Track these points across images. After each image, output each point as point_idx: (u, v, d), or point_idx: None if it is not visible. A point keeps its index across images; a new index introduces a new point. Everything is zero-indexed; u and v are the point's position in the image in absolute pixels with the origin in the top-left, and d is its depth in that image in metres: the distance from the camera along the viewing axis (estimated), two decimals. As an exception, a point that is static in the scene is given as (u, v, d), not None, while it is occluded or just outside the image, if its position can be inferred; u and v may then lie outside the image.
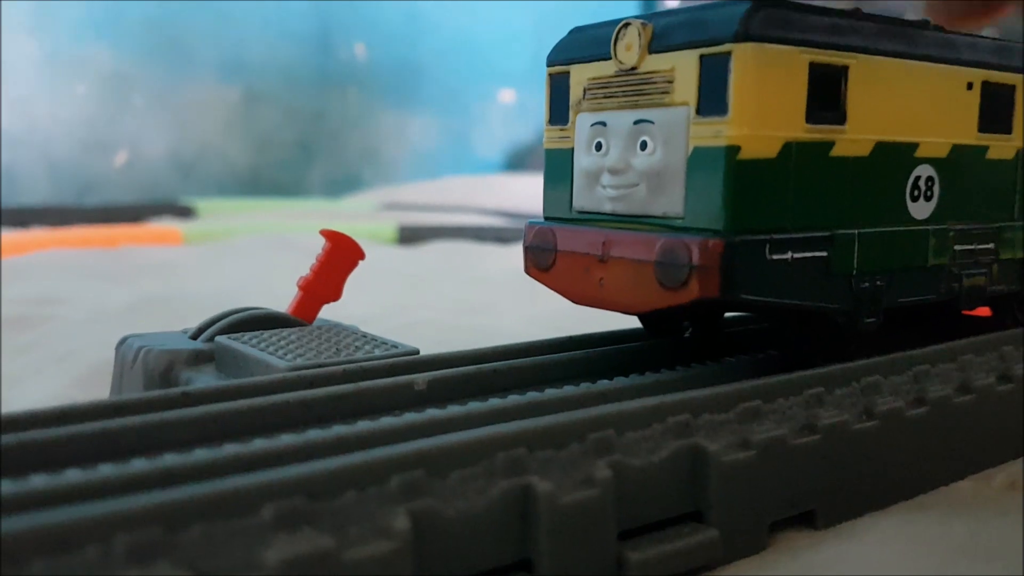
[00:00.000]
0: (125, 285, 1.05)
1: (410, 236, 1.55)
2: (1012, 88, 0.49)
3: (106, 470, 0.28)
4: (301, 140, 2.48)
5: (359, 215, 1.94)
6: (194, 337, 0.47)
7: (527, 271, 0.46)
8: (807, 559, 0.35)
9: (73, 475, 0.28)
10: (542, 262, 0.44)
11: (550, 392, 0.39)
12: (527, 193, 1.67)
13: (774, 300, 0.39)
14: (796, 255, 0.39)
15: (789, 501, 0.37)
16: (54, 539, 0.23)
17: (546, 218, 0.46)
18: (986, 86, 0.47)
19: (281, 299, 0.53)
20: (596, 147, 0.42)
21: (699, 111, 0.38)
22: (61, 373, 0.64)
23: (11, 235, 1.41)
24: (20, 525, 0.23)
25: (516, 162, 2.74)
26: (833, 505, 0.38)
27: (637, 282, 0.39)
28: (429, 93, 2.65)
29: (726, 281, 0.37)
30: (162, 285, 1.06)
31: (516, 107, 2.77)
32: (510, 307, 0.92)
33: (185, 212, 1.87)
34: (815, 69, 0.39)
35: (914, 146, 0.45)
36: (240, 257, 1.31)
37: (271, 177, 2.43)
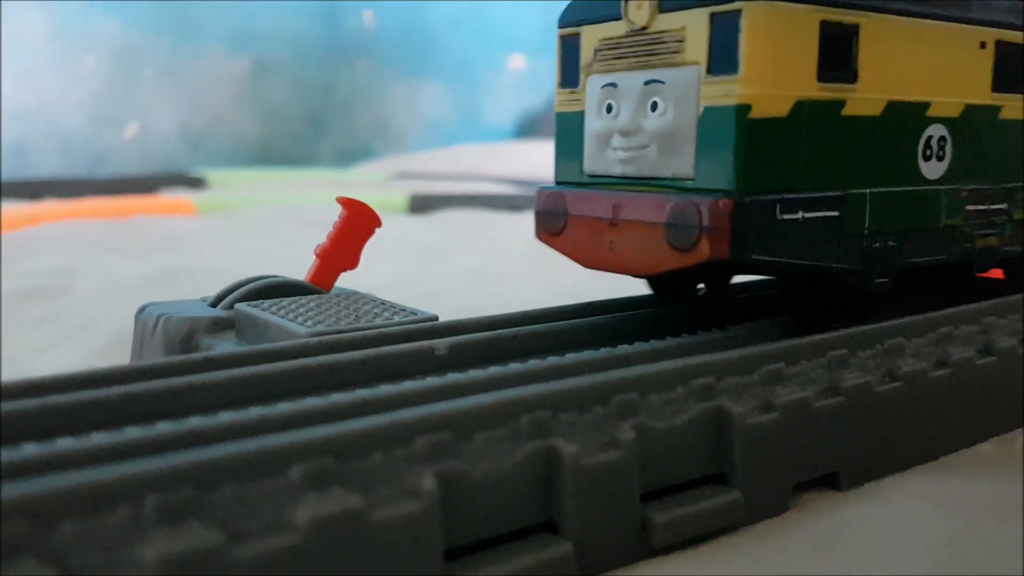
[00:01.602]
0: (140, 256, 1.06)
1: (421, 205, 1.55)
2: None
3: (133, 433, 0.29)
4: (311, 111, 2.47)
5: (370, 185, 1.94)
6: (213, 305, 0.47)
7: (538, 236, 0.45)
8: (830, 520, 0.35)
9: (100, 438, 0.28)
10: (553, 227, 0.44)
11: (571, 356, 0.39)
12: (538, 160, 1.66)
13: (785, 260, 0.39)
14: (807, 215, 0.39)
15: (812, 463, 0.37)
16: (84, 500, 0.23)
17: (557, 182, 0.45)
18: (1000, 45, 0.47)
19: (295, 269, 0.53)
20: (607, 109, 0.42)
21: (710, 70, 0.38)
22: (81, 344, 0.64)
23: (23, 207, 1.41)
24: (49, 486, 0.23)
25: (527, 129, 2.73)
26: (856, 467, 0.38)
27: (648, 244, 0.39)
28: (438, 61, 2.63)
29: (737, 242, 0.37)
30: (177, 256, 1.06)
31: (526, 73, 2.75)
32: (525, 276, 0.91)
33: (196, 183, 1.87)
34: (826, 27, 0.39)
35: (926, 105, 0.44)
36: (253, 228, 1.31)
37: (281, 148, 2.42)
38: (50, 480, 0.23)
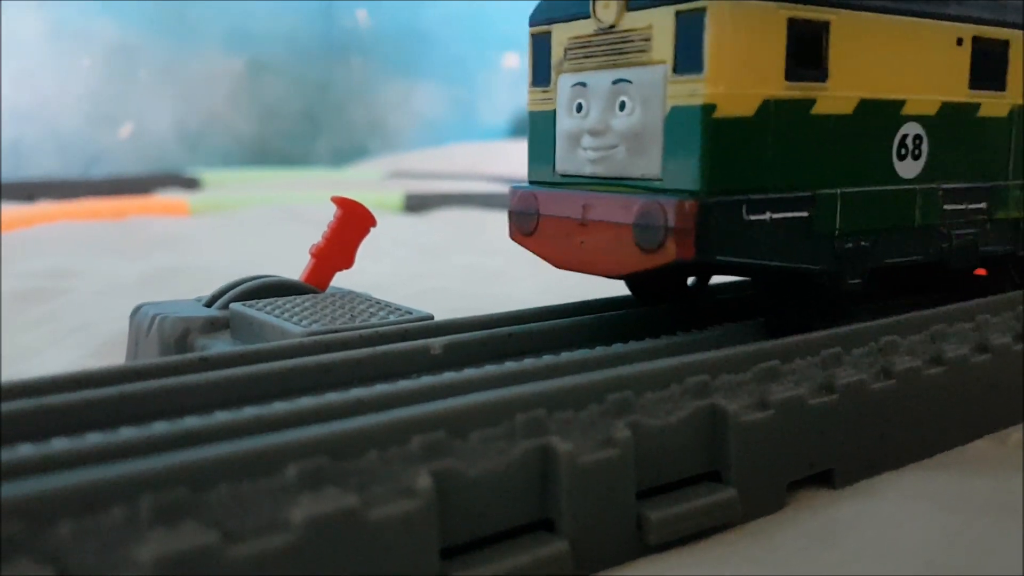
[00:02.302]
0: (135, 257, 1.05)
1: (417, 204, 1.55)
2: (1005, 44, 0.48)
3: (127, 433, 0.29)
4: (306, 110, 2.47)
5: (365, 184, 1.94)
6: (208, 305, 0.47)
7: (512, 236, 0.45)
8: (825, 518, 0.35)
9: (95, 438, 0.28)
10: (525, 227, 0.44)
11: (566, 355, 0.39)
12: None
13: (753, 261, 0.39)
14: (775, 215, 0.39)
15: (807, 461, 0.37)
16: (80, 500, 0.23)
17: (530, 182, 0.45)
18: (977, 42, 0.46)
19: (290, 269, 0.53)
20: (577, 108, 0.42)
21: (676, 69, 0.38)
22: (76, 345, 0.64)
23: (19, 208, 1.41)
24: (46, 486, 0.23)
25: (521, 128, 2.72)
26: (851, 464, 0.38)
27: (616, 245, 0.39)
28: (433, 60, 2.63)
29: (702, 242, 0.36)
30: (172, 256, 1.06)
31: (520, 72, 2.74)
32: (520, 275, 0.91)
33: (191, 183, 1.87)
34: (794, 25, 0.39)
35: (900, 103, 0.44)
36: (248, 228, 1.31)
37: (277, 147, 2.42)
38: (46, 480, 0.23)
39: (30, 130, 2.09)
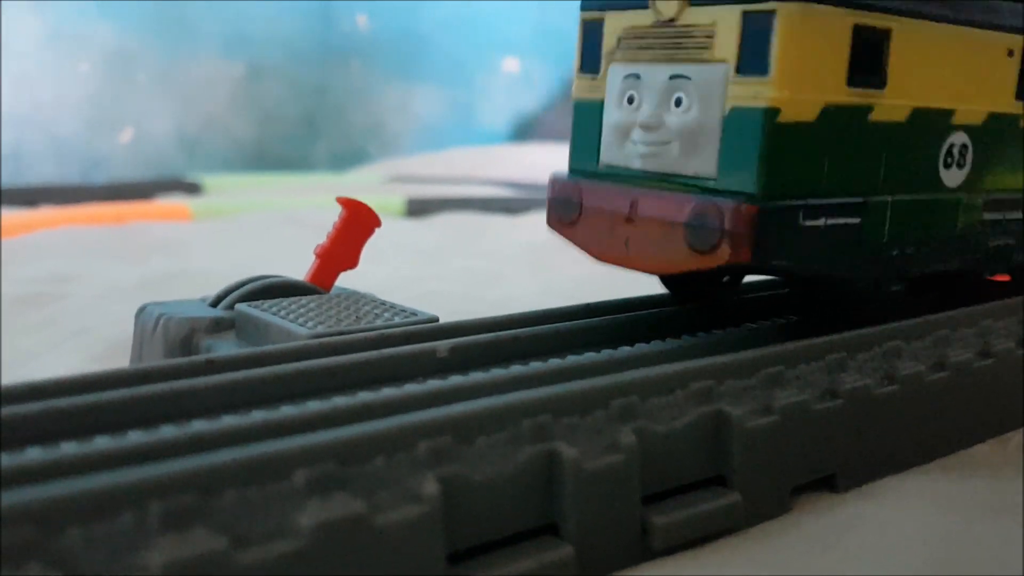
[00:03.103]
0: (137, 262, 1.05)
1: (418, 208, 1.55)
2: None
3: (135, 437, 0.29)
4: (306, 114, 2.47)
5: (366, 188, 1.94)
6: (213, 305, 0.47)
7: (549, 224, 0.44)
8: (829, 521, 0.35)
9: (102, 442, 0.28)
10: (566, 217, 0.43)
11: (572, 359, 0.39)
12: (534, 163, 1.66)
13: (805, 267, 0.38)
14: (829, 221, 0.39)
15: (811, 465, 0.37)
16: (90, 505, 0.23)
17: (571, 171, 0.45)
18: None
19: (290, 273, 0.53)
20: (628, 100, 0.41)
21: (739, 70, 0.37)
22: (79, 349, 0.64)
23: (19, 214, 1.41)
24: (55, 492, 0.23)
25: (522, 132, 2.73)
26: (854, 468, 0.38)
27: (665, 243, 0.38)
28: (432, 64, 2.63)
29: (758, 247, 0.36)
30: (174, 261, 1.06)
31: (520, 76, 2.75)
32: (522, 278, 0.91)
33: (192, 188, 1.87)
34: (859, 31, 0.38)
35: (950, 113, 0.44)
36: (250, 233, 1.31)
37: (276, 152, 2.42)
38: (55, 486, 0.23)
39: (29, 136, 2.09)
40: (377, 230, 0.53)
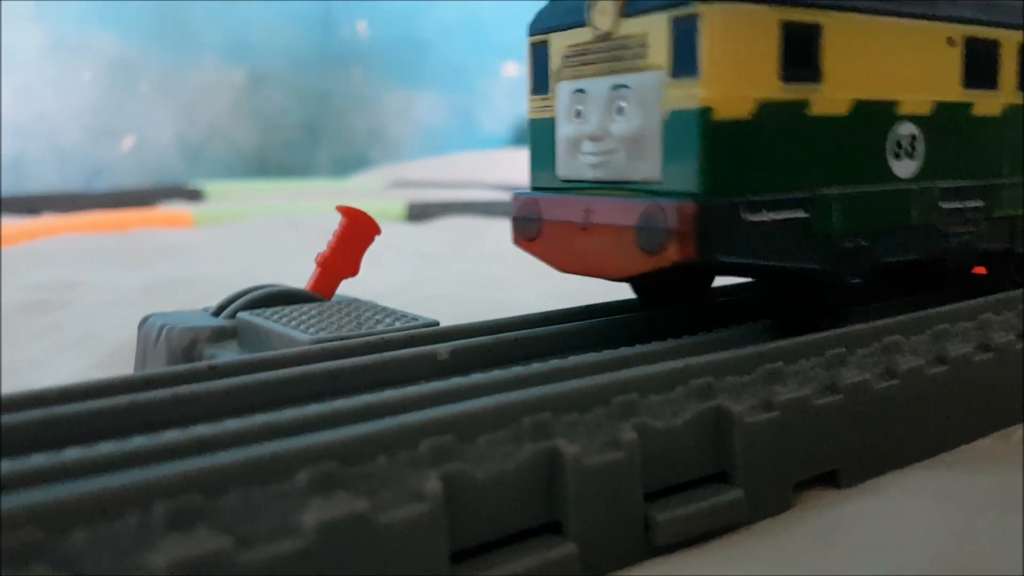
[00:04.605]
0: (140, 268, 1.06)
1: (419, 213, 1.55)
2: (996, 43, 0.48)
3: (139, 441, 0.29)
4: (307, 120, 2.48)
5: (367, 193, 1.94)
6: (215, 314, 0.47)
7: (515, 242, 0.46)
8: (831, 517, 0.35)
9: (107, 447, 0.29)
10: (528, 232, 0.44)
11: (572, 359, 0.40)
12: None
13: (754, 261, 0.39)
14: (774, 216, 0.39)
15: (812, 461, 0.37)
16: (94, 507, 0.23)
17: (533, 188, 0.46)
18: (969, 42, 0.47)
19: (294, 279, 0.54)
20: (576, 114, 0.42)
21: (672, 74, 0.38)
22: (83, 355, 0.64)
23: (22, 221, 1.41)
24: (61, 494, 0.23)
25: (522, 136, 2.73)
26: (856, 464, 0.38)
27: (619, 248, 0.39)
28: (433, 69, 2.64)
29: (703, 244, 0.37)
30: (176, 267, 1.07)
31: (520, 81, 2.75)
32: (522, 281, 0.92)
33: (194, 195, 1.88)
34: (787, 27, 0.39)
35: (894, 103, 0.44)
36: (251, 238, 1.31)
37: (278, 158, 2.43)
38: (60, 488, 0.24)
39: (31, 144, 2.10)
40: (380, 235, 0.53)
